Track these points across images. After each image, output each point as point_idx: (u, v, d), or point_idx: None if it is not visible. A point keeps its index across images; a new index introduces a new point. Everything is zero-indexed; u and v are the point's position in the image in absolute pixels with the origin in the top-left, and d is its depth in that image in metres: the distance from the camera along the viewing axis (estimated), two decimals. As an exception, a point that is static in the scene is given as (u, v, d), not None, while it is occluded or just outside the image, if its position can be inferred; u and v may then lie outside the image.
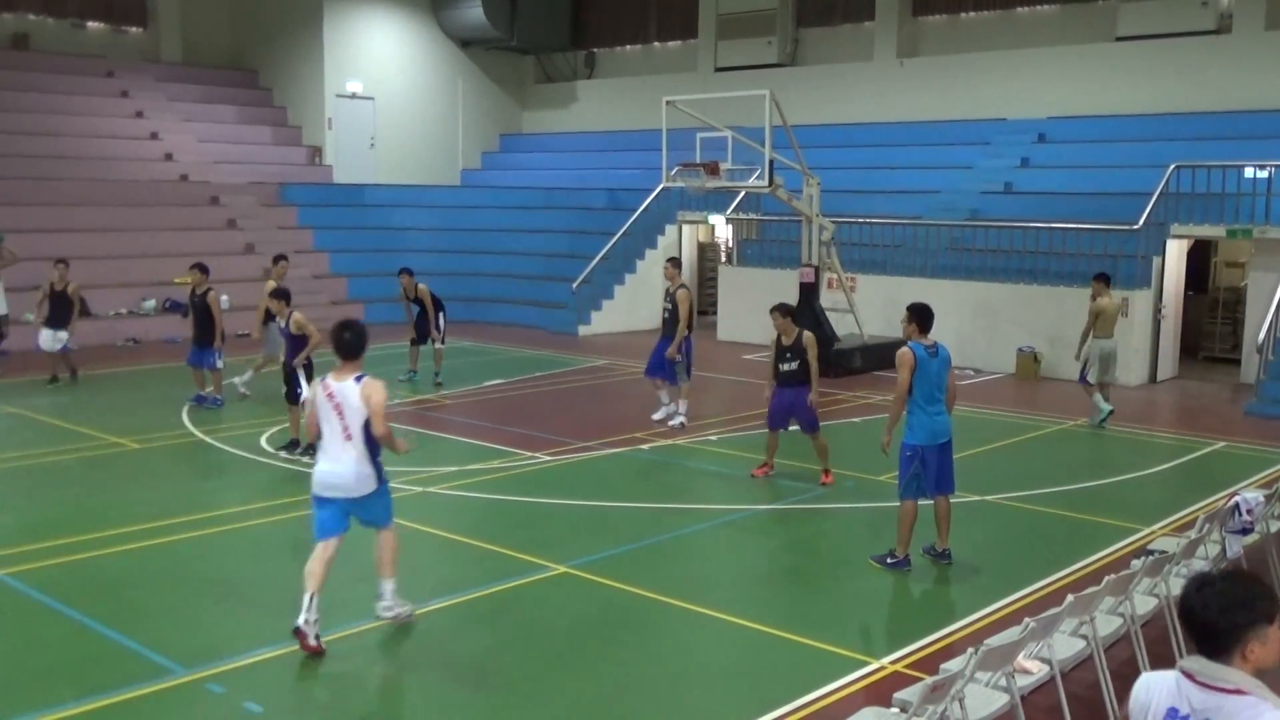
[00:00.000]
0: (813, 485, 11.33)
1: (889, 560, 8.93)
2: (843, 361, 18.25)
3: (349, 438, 7.07)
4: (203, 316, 14.52)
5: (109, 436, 13.00)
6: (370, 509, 7.35)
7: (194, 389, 14.79)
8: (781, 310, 11.29)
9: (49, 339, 15.91)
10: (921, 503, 8.89)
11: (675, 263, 14.72)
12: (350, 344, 7.13)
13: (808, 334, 11.18)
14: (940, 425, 8.75)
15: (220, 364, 14.67)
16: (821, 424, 11.45)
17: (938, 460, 8.80)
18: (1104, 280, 14.72)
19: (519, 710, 6.44)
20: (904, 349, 8.70)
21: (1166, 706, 3.38)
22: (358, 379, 7.07)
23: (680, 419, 13.98)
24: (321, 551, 7.18)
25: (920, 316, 8.78)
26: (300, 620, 6.92)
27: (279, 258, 15.85)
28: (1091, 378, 14.60)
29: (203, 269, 14.92)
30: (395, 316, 23.19)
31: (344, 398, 7.06)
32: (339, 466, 7.10)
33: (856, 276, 20.36)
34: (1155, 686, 3.46)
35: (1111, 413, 14.64)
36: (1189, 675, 3.33)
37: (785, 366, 11.17)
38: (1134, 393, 17.41)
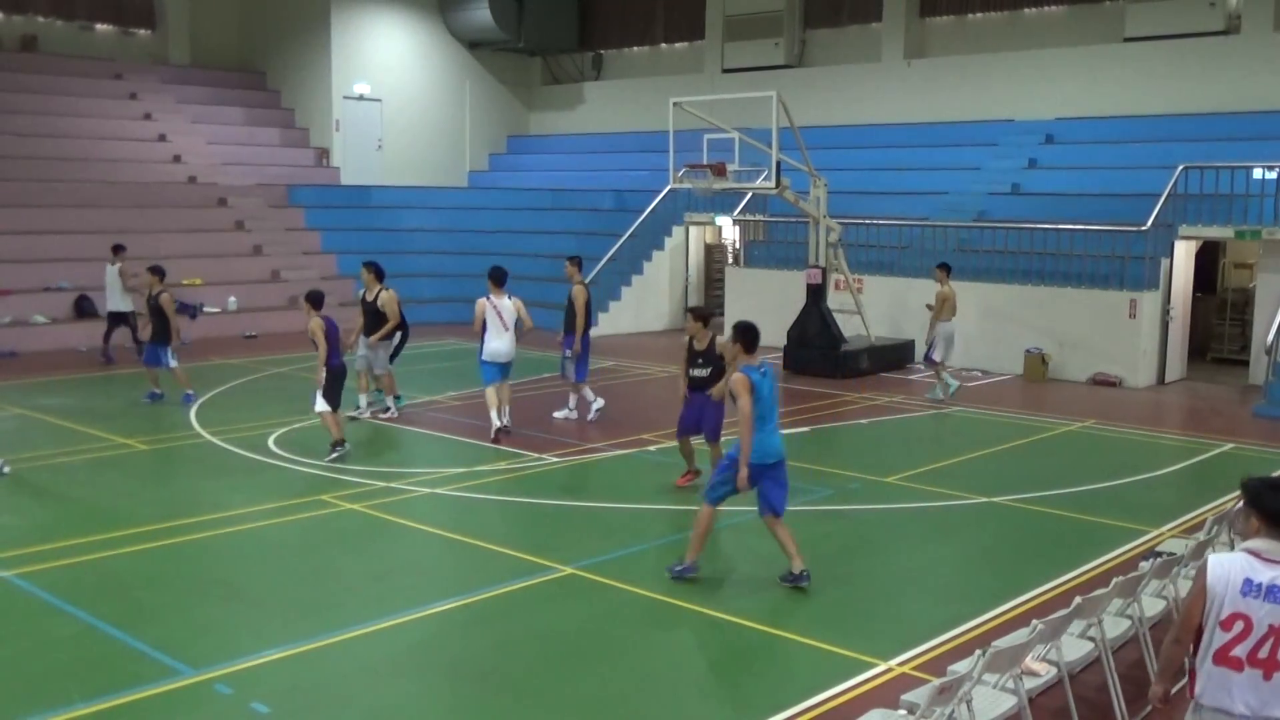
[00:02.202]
0: (816, 487, 11.32)
1: (677, 568, 8.48)
2: (850, 363, 18.23)
3: (506, 329, 12.83)
4: (158, 317, 14.85)
5: (117, 438, 13.02)
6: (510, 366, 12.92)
7: (163, 388, 15.10)
8: (694, 314, 10.91)
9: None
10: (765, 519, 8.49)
11: (575, 261, 14.69)
12: (499, 276, 13.05)
13: (721, 340, 10.40)
14: (772, 445, 8.30)
15: (174, 363, 14.97)
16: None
17: (769, 479, 8.35)
18: (945, 269, 16.40)
19: (525, 711, 6.44)
20: (739, 375, 8.20)
21: (1242, 578, 4.35)
22: (509, 296, 12.97)
23: (598, 407, 14.28)
24: (495, 390, 13.06)
25: (746, 338, 8.42)
26: (498, 425, 12.73)
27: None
28: (937, 357, 16.04)
29: (157, 271, 15.17)
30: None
31: (502, 307, 12.87)
32: (503, 344, 12.91)
33: (863, 278, 20.34)
34: (1228, 563, 4.42)
35: (960, 387, 16.36)
36: (1255, 554, 4.38)
37: (696, 372, 10.79)
38: (1142, 394, 17.38)
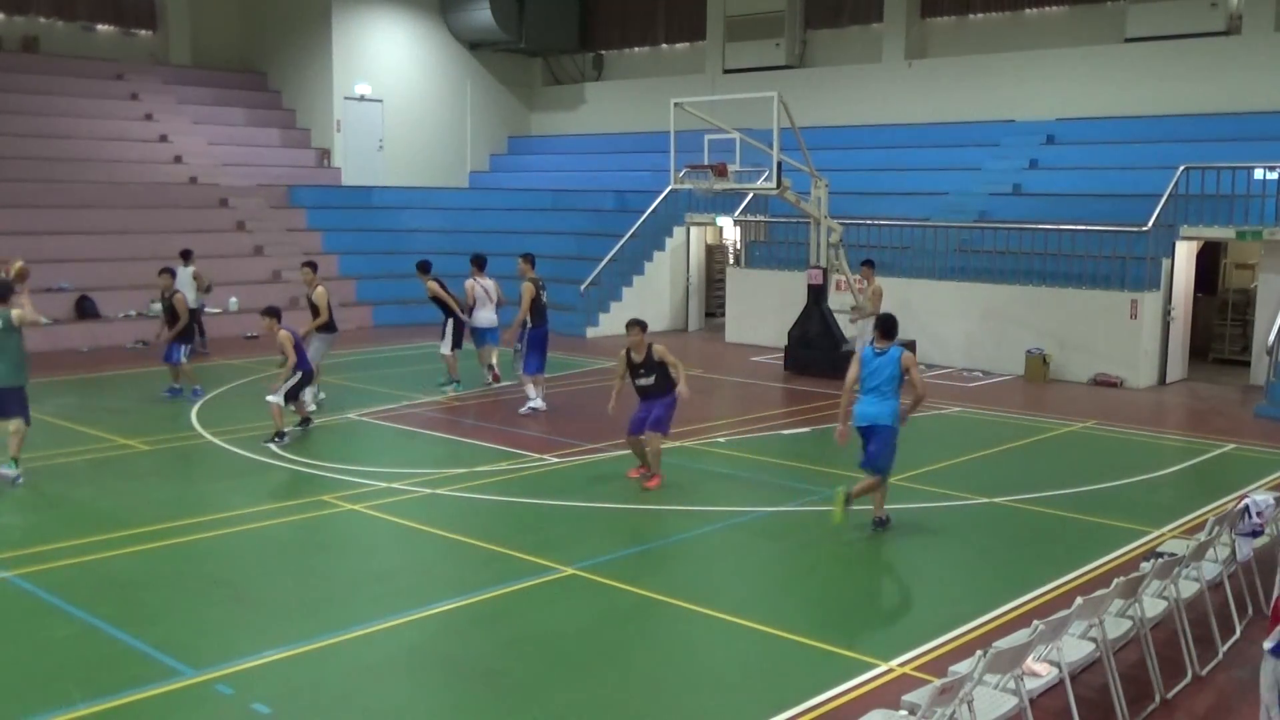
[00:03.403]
0: (817, 487, 11.31)
1: (879, 520, 9.86)
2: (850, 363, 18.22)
3: (490, 301, 15.10)
4: (172, 317, 15.49)
5: (118, 438, 13.03)
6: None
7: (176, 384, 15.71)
8: (637, 325, 11.28)
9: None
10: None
11: (528, 259, 15.43)
12: (481, 260, 15.57)
13: (658, 347, 11.22)
14: (861, 412, 9.73)
15: (184, 359, 15.57)
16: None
17: (865, 439, 9.77)
18: (870, 265, 17.31)
19: (526, 712, 6.44)
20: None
21: None
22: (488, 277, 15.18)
23: (532, 405, 14.73)
24: (485, 351, 16.36)
25: (884, 325, 9.80)
26: (489, 371, 15.57)
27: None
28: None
29: (171, 273, 16.11)
30: (403, 318, 23.34)
31: (487, 285, 15.91)
32: (489, 314, 15.77)
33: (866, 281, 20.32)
34: None
35: None
36: None
37: (642, 382, 11.30)
38: (1143, 394, 17.37)
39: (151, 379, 17.24)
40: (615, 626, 7.77)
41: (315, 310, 14.65)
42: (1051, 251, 19.09)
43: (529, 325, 14.55)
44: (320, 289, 14.70)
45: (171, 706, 6.42)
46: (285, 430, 12.84)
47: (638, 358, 11.25)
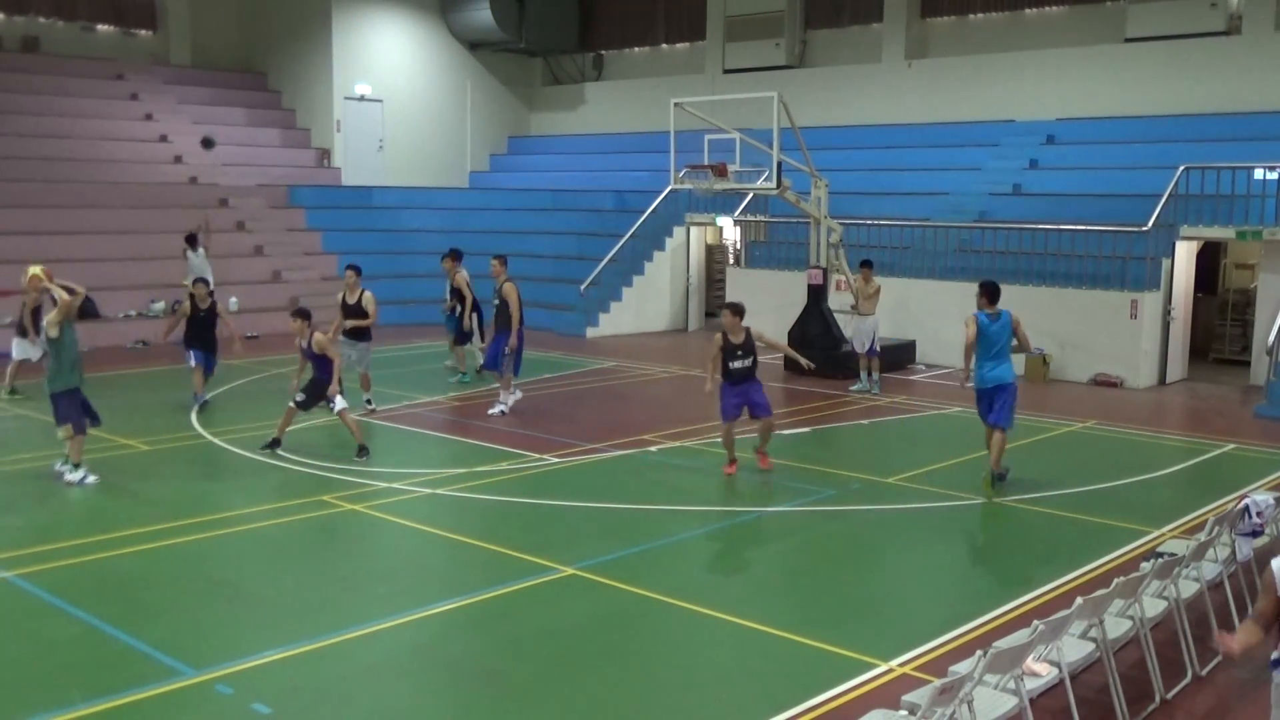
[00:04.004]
0: (817, 487, 11.31)
1: (999, 473, 11.03)
2: (850, 363, 18.20)
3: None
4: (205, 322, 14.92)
5: (118, 438, 13.03)
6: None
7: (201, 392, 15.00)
8: (732, 309, 11.51)
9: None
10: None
11: (502, 260, 15.36)
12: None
13: (755, 329, 11.58)
14: (986, 375, 10.96)
15: (191, 363, 15.17)
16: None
17: (988, 401, 10.99)
18: (868, 265, 17.36)
19: (526, 711, 6.44)
20: (971, 315, 10.91)
21: None
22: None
23: (501, 408, 14.57)
24: None
25: (987, 290, 11.02)
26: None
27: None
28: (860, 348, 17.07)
29: (206, 283, 15.43)
30: (403, 319, 23.32)
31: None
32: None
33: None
34: None
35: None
36: None
37: (738, 365, 11.50)
38: (1143, 394, 17.37)
39: (151, 379, 17.26)
40: (615, 626, 7.77)
41: (363, 313, 14.57)
42: (1051, 251, 19.10)
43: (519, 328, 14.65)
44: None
45: (171, 706, 6.42)
46: (366, 445, 12.30)
47: (736, 340, 11.36)
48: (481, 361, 16.48)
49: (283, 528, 9.87)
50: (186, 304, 14.94)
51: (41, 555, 8.90)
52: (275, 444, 12.34)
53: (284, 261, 24.15)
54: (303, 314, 12.49)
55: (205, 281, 15.42)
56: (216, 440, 13.03)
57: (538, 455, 12.49)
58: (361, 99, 28.53)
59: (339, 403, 12.23)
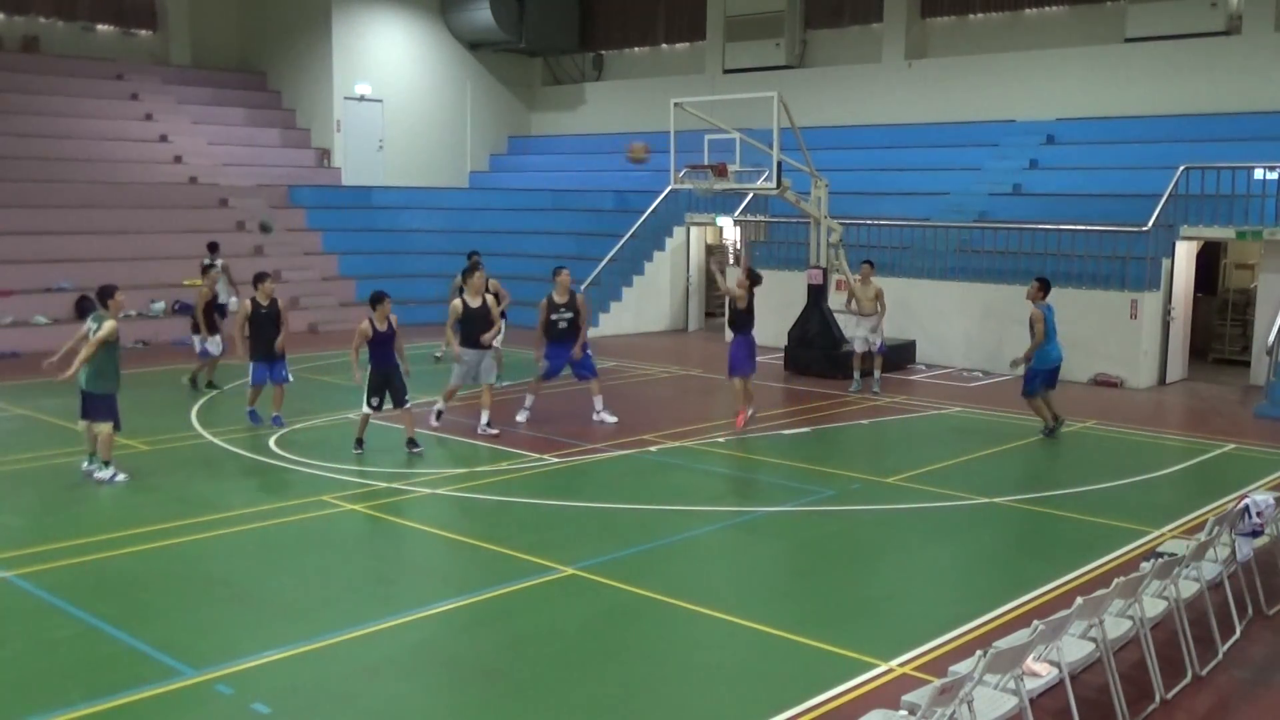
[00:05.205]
0: (817, 487, 11.31)
1: (1047, 431, 13.89)
2: (851, 363, 18.21)
3: None
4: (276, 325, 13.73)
5: (118, 438, 13.00)
6: None
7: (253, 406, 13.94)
8: (748, 275, 13.76)
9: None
10: None
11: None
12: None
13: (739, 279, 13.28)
14: (1052, 355, 14.02)
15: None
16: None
17: (1046, 376, 14.01)
18: (870, 264, 17.34)
19: (527, 712, 6.44)
20: (1036, 310, 13.71)
21: None
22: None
23: (525, 412, 14.38)
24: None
25: (1044, 285, 13.93)
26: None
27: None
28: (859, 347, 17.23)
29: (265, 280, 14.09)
30: (403, 318, 23.13)
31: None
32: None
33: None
34: None
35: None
36: None
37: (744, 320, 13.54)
38: (1143, 394, 17.37)
39: (152, 379, 17.24)
40: (615, 626, 7.77)
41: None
42: (1052, 251, 19.09)
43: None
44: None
45: (171, 706, 6.42)
46: (416, 443, 12.62)
47: (740, 306, 13.52)
48: (542, 371, 14.78)
49: (283, 528, 9.86)
50: (247, 302, 13.63)
51: (41, 555, 8.90)
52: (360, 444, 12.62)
53: (284, 261, 24.12)
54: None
55: (266, 276, 13.88)
56: (217, 440, 13.02)
57: (538, 455, 12.49)
58: (361, 99, 28.53)
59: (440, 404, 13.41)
